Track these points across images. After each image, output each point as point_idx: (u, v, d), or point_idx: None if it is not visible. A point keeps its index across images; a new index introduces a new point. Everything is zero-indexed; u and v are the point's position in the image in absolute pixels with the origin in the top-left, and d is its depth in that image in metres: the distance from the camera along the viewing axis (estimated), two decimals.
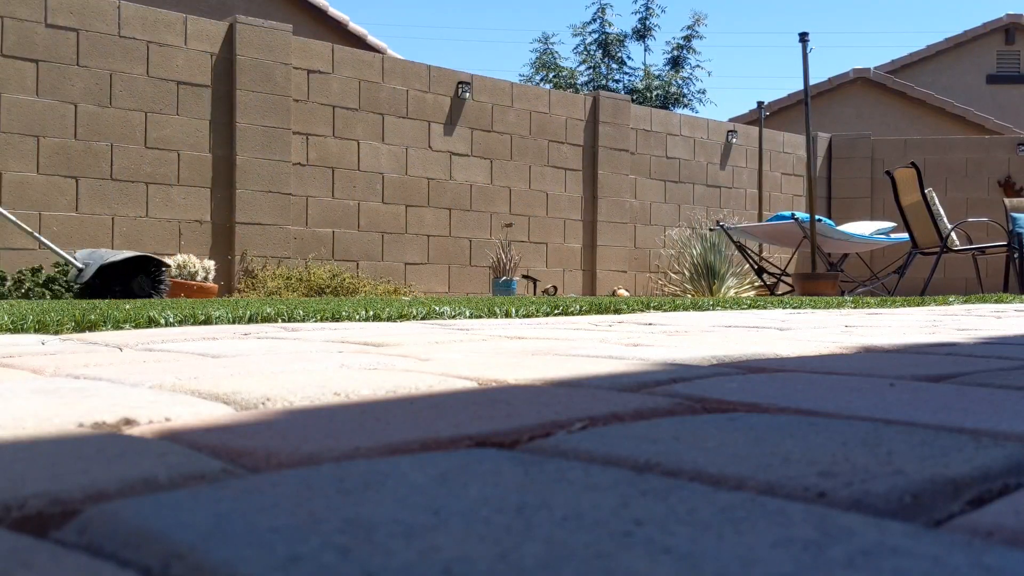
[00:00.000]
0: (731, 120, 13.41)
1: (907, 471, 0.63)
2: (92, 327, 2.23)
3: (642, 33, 19.80)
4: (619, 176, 8.90)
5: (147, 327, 2.33)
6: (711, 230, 8.93)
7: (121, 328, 2.29)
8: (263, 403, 0.99)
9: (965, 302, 4.66)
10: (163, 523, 0.50)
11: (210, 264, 5.96)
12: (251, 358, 1.49)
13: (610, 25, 19.74)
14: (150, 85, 6.21)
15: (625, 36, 19.85)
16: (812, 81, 10.33)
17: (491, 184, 8.00)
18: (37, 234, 5.26)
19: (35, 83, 5.80)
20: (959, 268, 10.28)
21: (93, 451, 0.71)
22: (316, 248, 6.95)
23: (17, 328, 2.15)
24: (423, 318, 2.87)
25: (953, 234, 8.28)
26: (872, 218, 10.42)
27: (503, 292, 7.37)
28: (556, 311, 3.25)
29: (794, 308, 3.84)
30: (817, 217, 7.61)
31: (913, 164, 8.15)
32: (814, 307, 3.90)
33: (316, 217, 6.98)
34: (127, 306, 3.05)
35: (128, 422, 0.87)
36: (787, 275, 8.51)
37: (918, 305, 4.25)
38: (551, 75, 19.04)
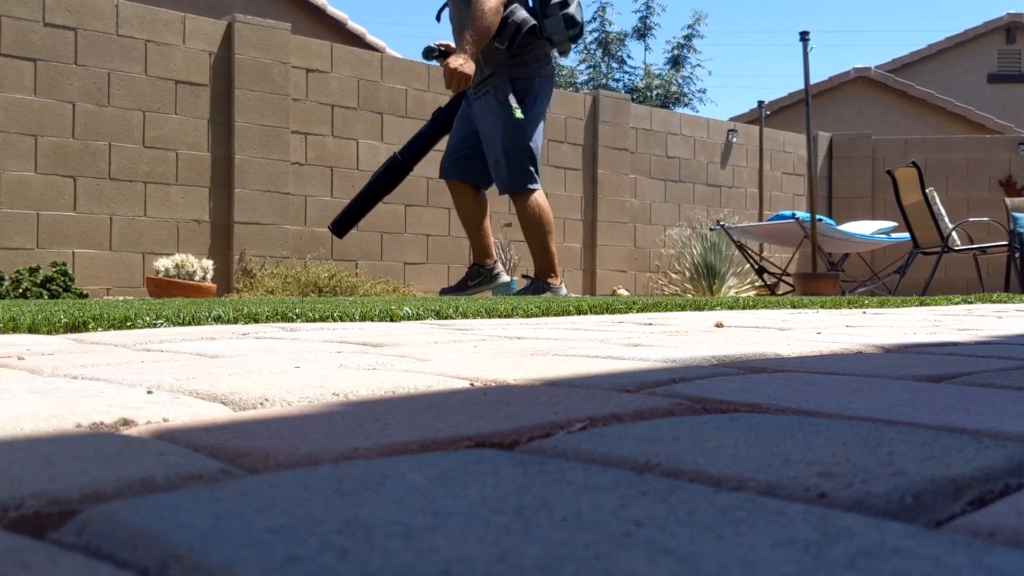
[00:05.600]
0: (731, 119, 13.41)
1: (908, 472, 0.63)
2: (89, 327, 2.23)
3: (642, 32, 19.81)
4: (619, 175, 8.89)
5: (145, 327, 2.33)
6: (711, 230, 8.92)
7: (119, 328, 2.29)
8: (261, 403, 0.98)
9: (966, 302, 4.66)
10: (161, 524, 0.49)
11: (208, 264, 5.96)
12: (249, 358, 1.49)
13: (610, 24, 19.77)
14: (148, 84, 6.21)
15: (625, 35, 19.86)
16: (813, 80, 10.32)
17: None
18: None
19: (33, 82, 5.80)
20: (960, 268, 10.28)
21: (91, 451, 0.70)
22: (315, 248, 6.95)
23: (15, 328, 2.15)
24: (422, 318, 2.86)
25: (954, 234, 8.28)
26: (873, 218, 10.42)
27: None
28: (556, 311, 3.25)
29: (795, 308, 3.83)
30: (818, 217, 7.61)
31: (914, 163, 8.15)
32: (815, 307, 3.90)
33: (315, 216, 6.97)
34: (124, 306, 3.05)
35: (126, 422, 0.87)
36: (788, 275, 8.51)
37: (919, 305, 4.25)
38: None
